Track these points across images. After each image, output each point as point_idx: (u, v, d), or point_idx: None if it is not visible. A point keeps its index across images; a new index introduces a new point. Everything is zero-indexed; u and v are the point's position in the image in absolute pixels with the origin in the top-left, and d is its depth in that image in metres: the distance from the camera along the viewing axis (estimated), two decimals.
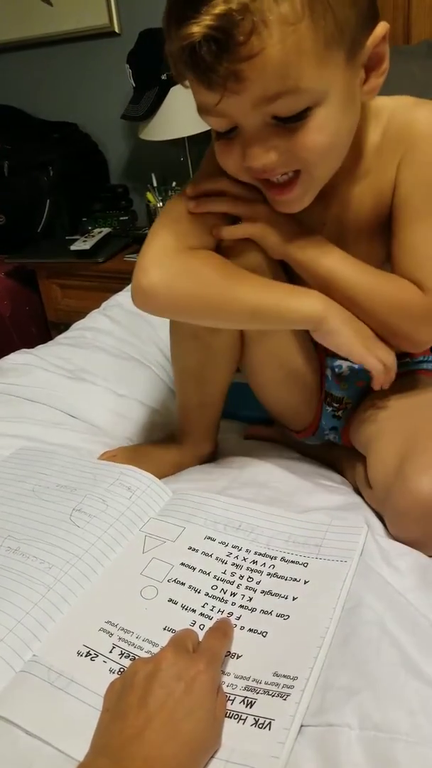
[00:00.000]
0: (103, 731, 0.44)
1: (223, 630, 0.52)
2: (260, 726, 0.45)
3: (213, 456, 0.87)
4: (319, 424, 0.83)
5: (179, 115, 1.68)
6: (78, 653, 0.53)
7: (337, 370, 0.79)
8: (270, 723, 0.45)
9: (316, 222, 0.67)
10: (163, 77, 1.68)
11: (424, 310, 0.64)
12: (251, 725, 0.45)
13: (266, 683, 0.48)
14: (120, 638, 0.54)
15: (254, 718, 0.46)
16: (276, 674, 0.49)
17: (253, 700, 0.47)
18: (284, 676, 0.48)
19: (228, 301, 0.64)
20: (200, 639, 0.51)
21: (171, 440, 0.87)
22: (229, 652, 0.52)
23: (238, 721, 0.46)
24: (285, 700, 0.46)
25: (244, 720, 0.46)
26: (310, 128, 0.54)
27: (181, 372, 0.81)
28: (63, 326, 1.44)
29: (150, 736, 0.41)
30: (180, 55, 0.50)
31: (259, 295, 0.65)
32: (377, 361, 0.67)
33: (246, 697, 0.47)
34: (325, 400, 0.82)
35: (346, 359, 0.75)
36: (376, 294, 0.64)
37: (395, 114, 0.62)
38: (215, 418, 0.84)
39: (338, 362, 0.78)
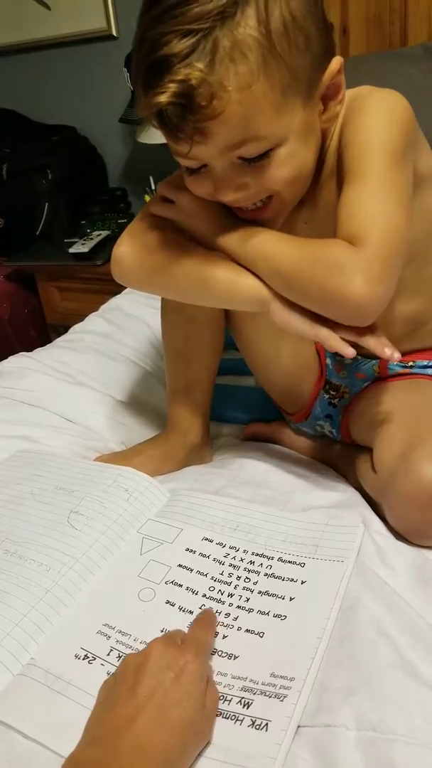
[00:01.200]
0: (94, 722, 0.44)
1: (207, 620, 0.53)
2: (257, 727, 0.45)
3: (205, 454, 0.87)
4: (312, 409, 0.84)
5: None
6: (76, 656, 0.53)
7: (338, 357, 0.80)
8: (267, 724, 0.45)
9: (298, 224, 0.69)
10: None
11: (353, 260, 0.57)
12: (248, 726, 0.45)
13: (263, 684, 0.48)
14: (117, 641, 0.54)
15: (251, 719, 0.46)
16: (273, 675, 0.49)
17: (250, 701, 0.47)
18: (281, 676, 0.48)
19: (185, 271, 0.67)
20: (193, 629, 0.52)
21: (159, 434, 0.88)
22: (225, 651, 0.52)
23: (234, 722, 0.46)
24: (282, 701, 0.46)
25: (241, 721, 0.46)
26: (274, 165, 0.58)
27: (169, 351, 0.85)
28: (62, 329, 1.44)
29: (140, 724, 0.41)
30: (149, 118, 0.55)
31: (213, 267, 0.66)
32: (328, 330, 0.62)
33: (243, 697, 0.47)
34: (324, 387, 0.83)
35: None
36: (299, 258, 0.60)
37: (353, 103, 0.63)
38: (201, 406, 0.85)
39: (338, 355, 0.78)
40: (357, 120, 0.61)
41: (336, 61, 0.58)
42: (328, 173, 0.66)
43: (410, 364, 0.77)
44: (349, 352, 0.61)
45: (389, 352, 0.61)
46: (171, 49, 0.50)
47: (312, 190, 0.67)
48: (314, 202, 0.68)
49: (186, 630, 0.53)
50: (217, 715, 0.46)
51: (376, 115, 0.61)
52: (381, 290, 0.57)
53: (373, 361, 0.78)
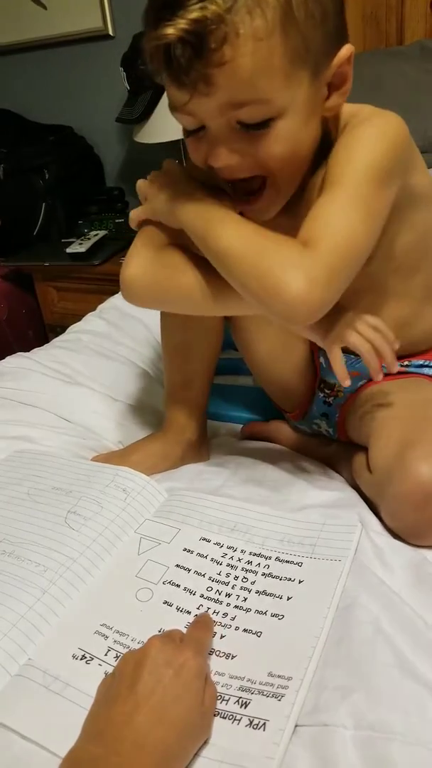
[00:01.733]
0: (92, 718, 0.44)
1: (204, 622, 0.53)
2: (255, 726, 0.45)
3: (202, 452, 0.87)
4: (309, 407, 0.84)
5: (174, 117, 1.69)
6: (73, 656, 0.53)
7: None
8: (264, 723, 0.45)
9: (283, 226, 0.66)
10: (158, 80, 1.68)
11: (299, 259, 0.57)
12: (246, 726, 0.45)
13: (261, 683, 0.48)
14: (115, 641, 0.54)
15: (249, 719, 0.46)
16: (271, 674, 0.49)
17: (248, 701, 0.47)
18: (279, 676, 0.48)
19: (197, 283, 0.66)
20: (191, 630, 0.52)
21: (156, 431, 0.88)
22: (223, 651, 0.52)
23: (232, 722, 0.46)
24: (280, 700, 0.46)
25: (239, 720, 0.46)
26: (271, 138, 0.57)
27: (167, 346, 0.85)
28: (59, 329, 1.44)
29: (138, 721, 0.41)
30: (155, 54, 0.53)
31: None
32: (338, 350, 0.66)
33: (240, 697, 0.47)
34: (319, 386, 0.83)
35: (342, 351, 0.74)
36: (247, 244, 0.59)
37: (352, 120, 0.63)
38: (198, 402, 0.85)
39: None
40: (348, 137, 0.61)
41: (346, 49, 0.57)
42: (318, 185, 0.65)
43: (405, 363, 0.78)
44: (347, 383, 0.65)
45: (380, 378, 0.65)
46: None
47: (299, 200, 0.67)
48: (299, 213, 0.67)
49: (184, 630, 0.53)
50: (215, 715, 0.46)
51: (367, 133, 0.61)
52: (318, 295, 0.56)
53: None
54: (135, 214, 0.72)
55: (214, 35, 0.50)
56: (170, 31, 0.50)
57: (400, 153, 0.61)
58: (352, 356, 0.79)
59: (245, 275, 0.59)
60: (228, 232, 0.61)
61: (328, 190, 0.61)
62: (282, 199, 0.64)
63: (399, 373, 0.77)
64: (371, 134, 0.60)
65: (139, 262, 0.69)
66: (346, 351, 0.79)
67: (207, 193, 0.64)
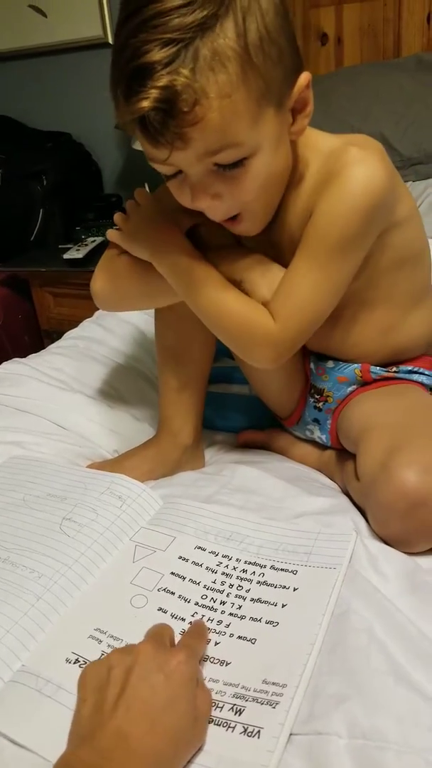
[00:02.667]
0: (83, 722, 0.43)
1: (198, 631, 0.53)
2: (249, 734, 0.45)
3: (197, 458, 0.88)
4: (302, 413, 0.86)
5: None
6: (66, 660, 0.53)
7: (319, 361, 0.82)
8: (259, 731, 0.45)
9: (263, 243, 0.73)
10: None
11: (268, 335, 0.68)
12: (240, 733, 0.45)
13: (255, 691, 0.48)
14: (109, 645, 0.54)
15: (243, 726, 0.46)
16: (265, 681, 0.49)
17: (242, 708, 0.47)
18: (273, 683, 0.48)
19: (145, 293, 0.79)
20: (177, 637, 0.52)
21: (152, 437, 0.89)
22: (217, 658, 0.52)
23: (226, 729, 0.46)
24: (274, 708, 0.46)
25: (233, 728, 0.46)
26: (247, 175, 0.60)
27: (161, 350, 0.86)
28: (56, 335, 1.45)
29: (130, 729, 0.41)
30: (129, 123, 0.56)
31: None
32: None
33: (235, 704, 0.47)
34: (309, 391, 0.85)
35: (330, 357, 0.81)
36: (232, 312, 0.69)
37: (336, 154, 0.65)
38: (194, 406, 0.86)
39: (322, 359, 0.82)
40: (330, 191, 0.64)
41: (304, 77, 0.60)
42: (300, 209, 0.68)
43: (394, 370, 0.78)
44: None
45: None
46: (153, 56, 0.52)
47: (282, 219, 0.70)
48: (282, 224, 0.71)
49: (177, 633, 0.53)
50: (209, 722, 0.46)
51: (347, 194, 0.63)
52: (283, 357, 0.70)
53: (355, 365, 0.79)
54: (111, 237, 0.78)
55: (184, 99, 0.52)
56: (144, 104, 0.52)
57: (379, 211, 0.65)
58: (341, 362, 0.80)
59: (223, 336, 0.72)
60: (209, 296, 0.70)
61: (300, 256, 0.67)
62: (263, 219, 0.68)
63: (388, 378, 0.78)
64: (351, 200, 0.63)
65: (102, 275, 0.82)
66: (333, 356, 0.80)
67: (183, 242, 0.70)
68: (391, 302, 0.75)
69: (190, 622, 0.56)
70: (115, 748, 0.40)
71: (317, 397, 0.83)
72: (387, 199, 0.65)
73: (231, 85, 0.53)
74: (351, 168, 0.63)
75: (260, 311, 0.68)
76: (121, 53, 0.54)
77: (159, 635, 0.49)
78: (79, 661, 0.52)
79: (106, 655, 0.48)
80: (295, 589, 0.57)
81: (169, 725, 0.42)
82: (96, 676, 0.46)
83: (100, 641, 0.54)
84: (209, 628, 0.55)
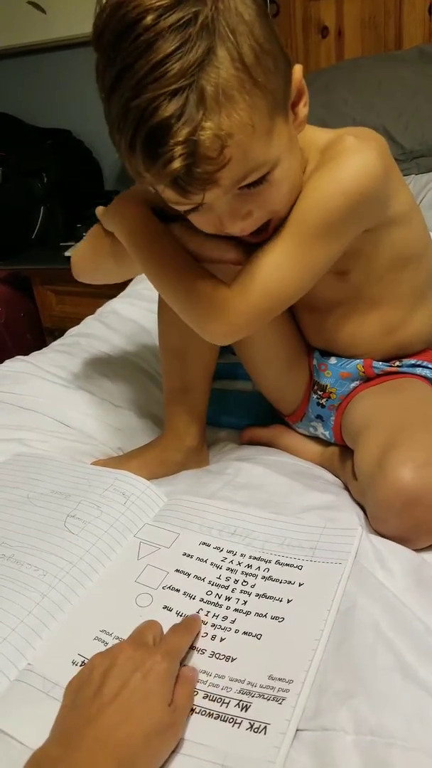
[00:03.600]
0: (58, 723, 0.44)
1: (186, 625, 0.53)
2: (255, 730, 0.45)
3: (202, 457, 0.87)
4: (306, 410, 0.85)
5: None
6: (73, 662, 0.52)
7: (322, 357, 0.82)
8: (265, 727, 0.45)
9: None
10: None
11: (223, 307, 0.66)
12: (246, 729, 0.45)
13: (261, 686, 0.48)
14: None
15: (249, 722, 0.45)
16: (271, 677, 0.48)
17: (248, 704, 0.47)
18: (279, 679, 0.48)
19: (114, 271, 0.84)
20: (169, 632, 0.52)
21: (156, 438, 0.88)
22: (223, 654, 0.51)
23: (233, 725, 0.45)
24: (281, 704, 0.46)
25: (239, 724, 0.45)
26: (274, 186, 0.59)
27: (165, 350, 0.85)
28: (58, 332, 1.44)
29: (102, 720, 0.41)
30: (158, 185, 0.55)
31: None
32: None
33: (241, 700, 0.47)
34: (312, 387, 0.84)
35: (332, 353, 0.80)
36: (185, 276, 0.68)
37: (331, 142, 0.65)
38: (198, 407, 0.85)
39: (325, 356, 0.82)
40: (319, 173, 0.63)
41: (297, 69, 0.59)
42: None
43: (397, 364, 0.78)
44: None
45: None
46: (165, 113, 0.49)
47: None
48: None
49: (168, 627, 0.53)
50: (215, 718, 0.46)
51: (335, 178, 0.62)
52: (237, 334, 0.68)
53: (357, 361, 0.79)
54: (97, 212, 0.80)
55: (210, 148, 0.51)
56: (175, 165, 0.50)
57: (367, 201, 0.62)
58: (343, 358, 0.79)
59: (178, 306, 0.71)
60: (167, 267, 0.69)
61: (277, 234, 0.64)
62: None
63: (391, 373, 0.77)
64: (339, 184, 0.61)
65: (83, 246, 0.86)
66: (336, 353, 0.80)
67: (149, 219, 0.70)
68: (395, 300, 0.75)
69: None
70: (85, 739, 0.40)
71: (320, 393, 0.83)
72: (378, 191, 0.63)
73: (245, 114, 0.52)
74: (344, 154, 0.62)
75: (219, 282, 0.66)
76: (126, 118, 0.51)
77: (141, 634, 0.50)
78: (85, 664, 0.52)
79: (88, 660, 0.48)
80: (300, 585, 0.57)
81: (142, 717, 0.42)
82: (78, 680, 0.47)
83: (106, 643, 0.54)
84: (215, 624, 0.55)
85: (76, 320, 1.30)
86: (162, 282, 0.71)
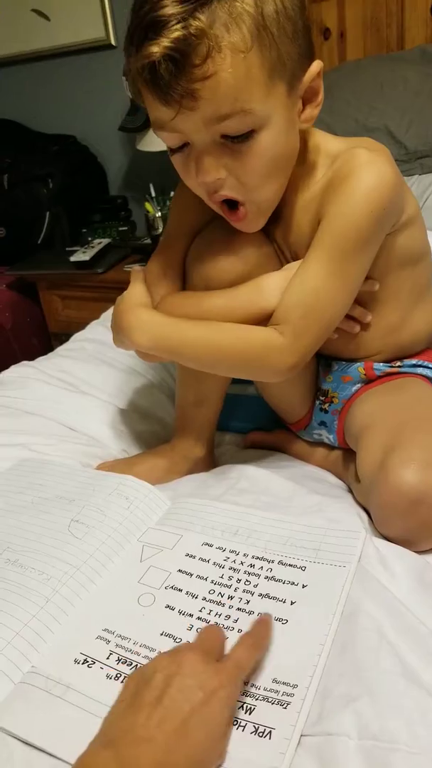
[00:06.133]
0: (113, 721, 0.43)
1: (255, 637, 0.50)
2: (260, 734, 0.45)
3: (208, 464, 0.87)
4: (310, 418, 0.85)
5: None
6: (75, 661, 0.52)
7: (324, 363, 0.82)
8: (270, 732, 0.45)
9: (275, 238, 0.72)
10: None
11: (273, 350, 0.66)
12: (251, 733, 0.45)
13: (265, 689, 0.48)
14: (117, 644, 0.54)
15: (254, 726, 0.45)
16: (275, 681, 0.48)
17: (253, 707, 0.46)
18: (284, 683, 0.48)
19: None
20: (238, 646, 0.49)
21: (164, 444, 0.88)
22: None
23: (237, 728, 0.45)
24: (285, 708, 0.46)
25: (244, 727, 0.45)
26: (254, 150, 0.59)
27: (182, 368, 0.84)
28: (64, 337, 1.45)
29: (160, 739, 0.40)
30: (140, 73, 0.55)
31: None
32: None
33: (245, 703, 0.47)
34: (316, 393, 0.84)
35: (333, 358, 0.81)
36: (232, 340, 0.68)
37: (345, 156, 0.65)
38: (210, 420, 0.85)
39: (326, 360, 0.82)
40: (342, 192, 0.63)
41: (316, 64, 0.61)
42: (309, 211, 0.68)
43: (398, 364, 0.78)
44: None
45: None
46: (169, 10, 0.52)
47: (288, 219, 0.70)
48: (289, 224, 0.71)
49: (185, 629, 0.52)
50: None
51: (360, 196, 0.62)
52: (296, 369, 0.68)
53: (358, 364, 0.78)
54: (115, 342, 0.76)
55: (197, 51, 0.52)
56: (155, 49, 0.53)
57: (389, 211, 0.64)
58: (343, 361, 0.79)
59: (233, 373, 0.73)
60: (201, 343, 0.68)
61: (311, 257, 0.65)
62: (266, 213, 0.67)
63: (392, 373, 0.77)
64: (363, 200, 0.62)
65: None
66: (339, 356, 0.79)
67: (152, 313, 0.70)
68: (396, 301, 0.75)
69: (198, 618, 0.55)
70: (140, 756, 0.39)
71: (322, 399, 0.83)
72: (396, 199, 0.65)
73: (245, 44, 0.53)
74: (361, 170, 0.63)
75: (258, 331, 0.67)
76: (140, 9, 0.54)
77: (210, 646, 0.48)
78: (87, 662, 0.52)
79: (153, 659, 0.47)
80: (304, 586, 0.57)
81: (198, 745, 0.41)
82: (139, 679, 0.45)
83: (108, 641, 0.54)
84: (217, 623, 0.54)
85: (83, 324, 1.31)
86: (206, 362, 0.70)
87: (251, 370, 0.70)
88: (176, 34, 0.52)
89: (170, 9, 0.52)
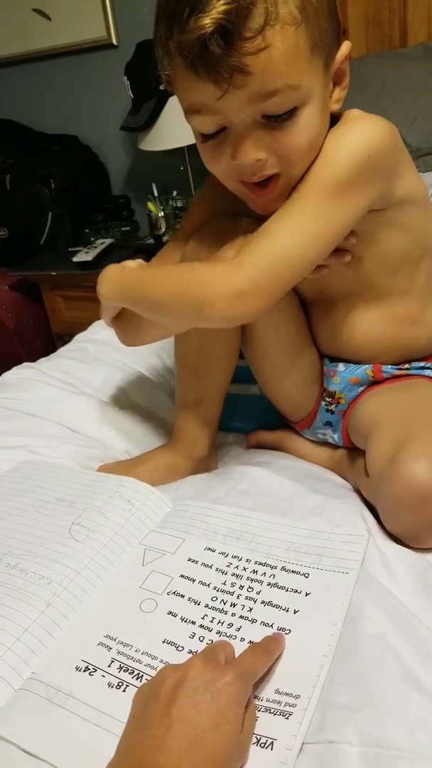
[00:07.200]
0: (127, 738, 0.43)
1: (265, 647, 0.50)
2: (262, 745, 0.44)
3: (210, 464, 0.87)
4: (315, 417, 0.84)
5: (178, 124, 1.69)
6: (76, 668, 0.52)
7: (331, 364, 0.81)
8: (272, 743, 0.44)
9: None
10: (161, 87, 1.69)
11: (220, 275, 0.61)
12: (253, 744, 0.44)
13: (267, 700, 0.47)
14: (119, 652, 0.53)
15: (256, 737, 0.45)
16: (278, 692, 0.47)
17: (255, 717, 0.46)
18: (286, 693, 0.47)
19: None
20: (247, 652, 0.49)
21: (165, 445, 0.87)
22: None
23: None
24: (287, 718, 0.45)
25: None
26: (296, 128, 0.58)
27: (181, 363, 0.84)
28: (67, 337, 1.44)
29: (171, 745, 0.40)
30: (187, 51, 0.52)
31: None
32: None
33: None
34: (321, 395, 0.83)
35: (341, 359, 0.79)
36: (172, 288, 0.66)
37: (340, 122, 0.64)
38: (210, 419, 0.84)
39: (334, 362, 0.81)
40: (330, 140, 0.62)
41: (346, 45, 0.60)
42: None
43: (406, 366, 0.77)
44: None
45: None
46: None
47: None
48: None
49: (187, 636, 0.52)
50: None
51: (344, 144, 0.61)
52: (247, 303, 0.60)
53: (366, 366, 0.78)
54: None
55: (249, 22, 0.50)
56: (206, 21, 0.50)
57: (377, 164, 0.61)
58: (351, 363, 0.78)
59: (177, 309, 0.65)
60: (158, 289, 0.67)
61: (288, 200, 0.62)
62: (287, 192, 0.63)
63: (399, 375, 0.77)
64: (347, 149, 0.61)
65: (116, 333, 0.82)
66: (346, 358, 0.79)
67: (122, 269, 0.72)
68: (409, 295, 0.74)
69: (201, 625, 0.55)
70: (155, 765, 0.39)
71: (329, 400, 0.82)
72: (386, 157, 0.62)
73: (294, 17, 0.52)
74: (353, 122, 0.62)
75: (209, 264, 0.65)
76: None
77: (213, 652, 0.48)
78: (88, 669, 0.52)
79: (159, 670, 0.47)
80: (307, 594, 0.56)
81: (212, 745, 0.40)
82: (147, 692, 0.45)
83: (110, 648, 0.54)
84: (219, 631, 0.54)
85: (86, 325, 1.30)
86: (162, 296, 0.67)
87: (193, 296, 0.62)
88: (226, 6, 0.49)
89: None
